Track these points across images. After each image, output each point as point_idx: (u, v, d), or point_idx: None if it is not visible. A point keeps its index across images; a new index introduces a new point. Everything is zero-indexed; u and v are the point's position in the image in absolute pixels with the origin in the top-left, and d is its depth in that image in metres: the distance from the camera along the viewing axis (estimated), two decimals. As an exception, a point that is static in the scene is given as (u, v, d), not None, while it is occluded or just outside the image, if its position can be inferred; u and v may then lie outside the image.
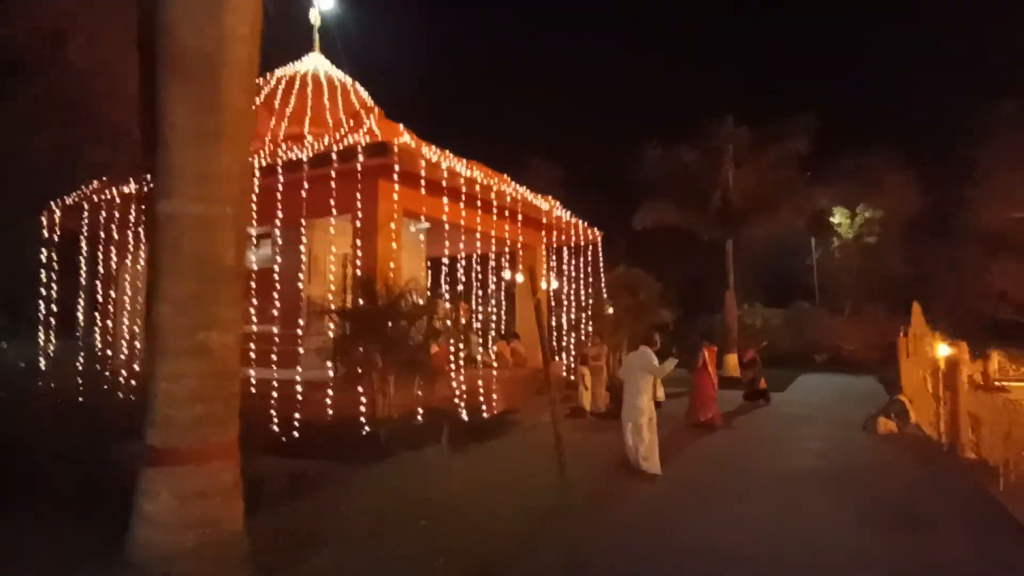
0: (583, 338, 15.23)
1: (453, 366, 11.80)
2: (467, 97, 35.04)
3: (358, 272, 10.54)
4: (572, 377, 14.93)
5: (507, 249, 15.82)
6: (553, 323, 16.28)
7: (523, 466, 8.17)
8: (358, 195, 10.44)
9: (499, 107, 35.72)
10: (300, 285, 11.97)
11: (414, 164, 10.34)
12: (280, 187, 11.08)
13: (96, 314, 13.93)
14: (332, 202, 10.55)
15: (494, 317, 17.79)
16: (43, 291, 14.09)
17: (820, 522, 6.09)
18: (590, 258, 17.37)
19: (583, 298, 17.28)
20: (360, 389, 9.08)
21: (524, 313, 16.41)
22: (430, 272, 19.14)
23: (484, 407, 11.23)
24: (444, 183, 11.21)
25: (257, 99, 15.27)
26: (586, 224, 16.62)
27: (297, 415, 9.76)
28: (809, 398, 15.58)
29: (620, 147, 28.45)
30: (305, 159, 10.65)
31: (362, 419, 9.09)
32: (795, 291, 28.61)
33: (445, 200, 11.58)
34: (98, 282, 13.88)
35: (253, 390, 10.54)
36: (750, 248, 22.91)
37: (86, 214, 13.95)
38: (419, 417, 9.72)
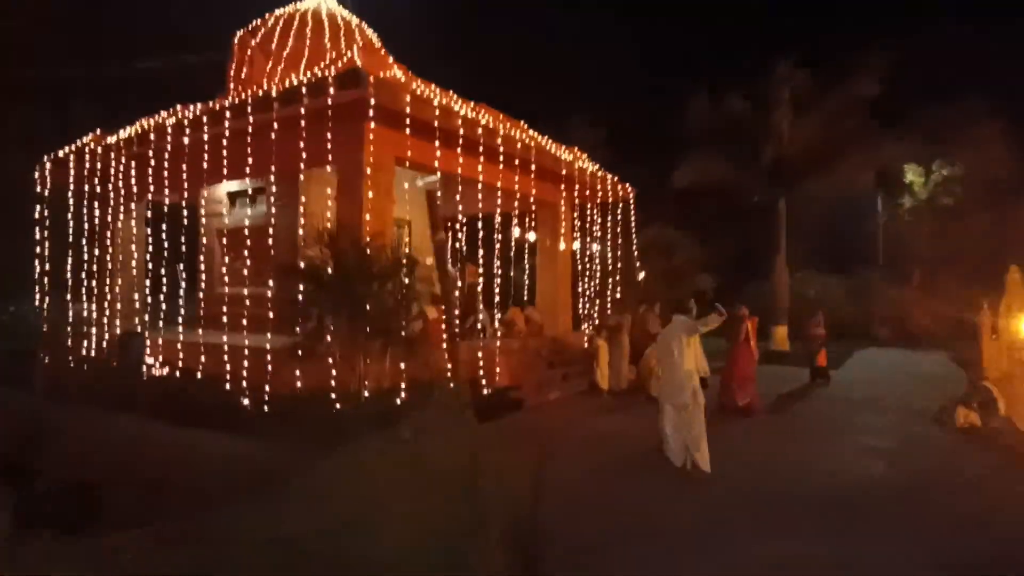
0: (608, 306, 13.60)
1: (450, 335, 10.49)
2: (501, 53, 32.82)
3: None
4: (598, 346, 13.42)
5: (525, 207, 14.24)
6: (580, 289, 14.73)
7: (497, 461, 6.72)
8: (330, 136, 9.00)
9: (536, 63, 33.46)
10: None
11: (395, 99, 8.82)
12: (254, 133, 9.81)
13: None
14: (304, 146, 9.17)
15: (502, 281, 16.35)
16: (39, 249, 13.48)
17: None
18: (620, 217, 15.58)
19: (611, 262, 15.60)
20: (331, 360, 7.83)
21: (544, 277, 14.88)
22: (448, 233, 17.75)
23: (484, 383, 9.87)
24: (439, 124, 9.66)
25: (253, 41, 14.05)
26: (615, 179, 14.80)
27: (268, 387, 8.69)
28: (870, 377, 13.59)
29: (663, 102, 26.08)
30: (274, 95, 9.27)
31: (333, 395, 7.88)
32: (855, 257, 25.93)
33: (445, 148, 10.03)
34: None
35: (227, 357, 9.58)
36: (805, 209, 20.43)
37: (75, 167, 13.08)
38: (401, 394, 8.45)
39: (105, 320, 12.82)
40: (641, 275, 15.78)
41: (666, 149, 20.19)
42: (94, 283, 13.09)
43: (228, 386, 9.34)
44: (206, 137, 10.54)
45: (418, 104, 9.18)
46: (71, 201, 13.42)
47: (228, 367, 9.42)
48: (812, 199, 20.23)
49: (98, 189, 12.95)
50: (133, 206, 13.62)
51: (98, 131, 13.37)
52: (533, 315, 13.45)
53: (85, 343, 12.49)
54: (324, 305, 7.44)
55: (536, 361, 11.25)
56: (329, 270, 7.74)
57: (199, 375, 9.94)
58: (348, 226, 9.28)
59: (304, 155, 9.42)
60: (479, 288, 12.31)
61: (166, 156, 11.40)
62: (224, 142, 10.18)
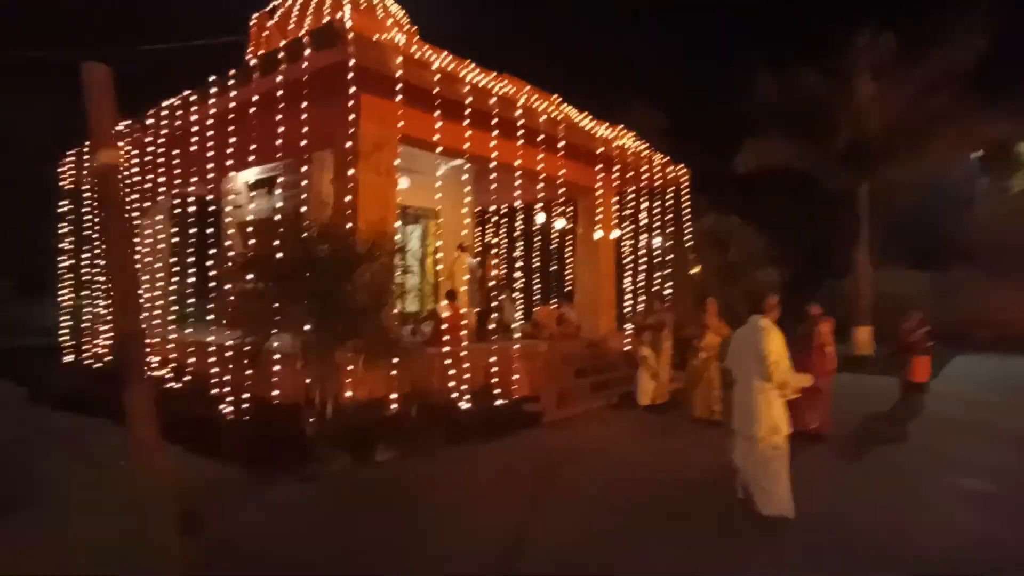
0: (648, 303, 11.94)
1: (454, 338, 9.27)
2: (556, 36, 31.27)
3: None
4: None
5: (561, 193, 12.81)
6: (624, 285, 13.15)
7: (452, 508, 5.37)
8: (319, 109, 7.90)
9: (588, 43, 31.67)
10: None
11: (383, 61, 7.60)
12: (248, 112, 8.87)
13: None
14: (295, 124, 8.12)
15: (537, 277, 14.95)
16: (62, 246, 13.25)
17: None
18: (671, 204, 13.84)
19: (661, 254, 13.93)
20: (298, 367, 6.70)
21: (583, 272, 13.39)
22: (478, 223, 16.56)
23: (499, 392, 8.55)
24: (451, 96, 8.41)
25: (270, 21, 13.27)
26: (665, 159, 13.10)
27: (247, 395, 7.71)
28: (973, 392, 11.38)
29: (725, 80, 23.80)
30: (252, 63, 8.27)
31: (308, 406, 6.76)
32: (947, 251, 22.84)
33: (466, 126, 8.76)
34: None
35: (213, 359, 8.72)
36: (889, 196, 17.91)
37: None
38: (392, 407, 7.26)
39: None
40: (695, 269, 14.00)
41: (726, 131, 18.17)
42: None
43: (215, 391, 8.46)
44: (209, 121, 9.73)
45: (413, 68, 7.93)
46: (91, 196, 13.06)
47: (217, 370, 8.53)
48: (897, 185, 17.67)
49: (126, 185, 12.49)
50: (157, 200, 13.15)
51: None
52: (568, 314, 12.02)
53: (95, 343, 12.04)
54: (277, 301, 6.30)
55: (561, 368, 9.82)
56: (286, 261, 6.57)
57: (189, 378, 9.13)
58: (342, 214, 8.23)
59: (297, 134, 8.40)
60: (501, 283, 10.96)
61: (175, 143, 10.71)
62: (226, 125, 9.31)
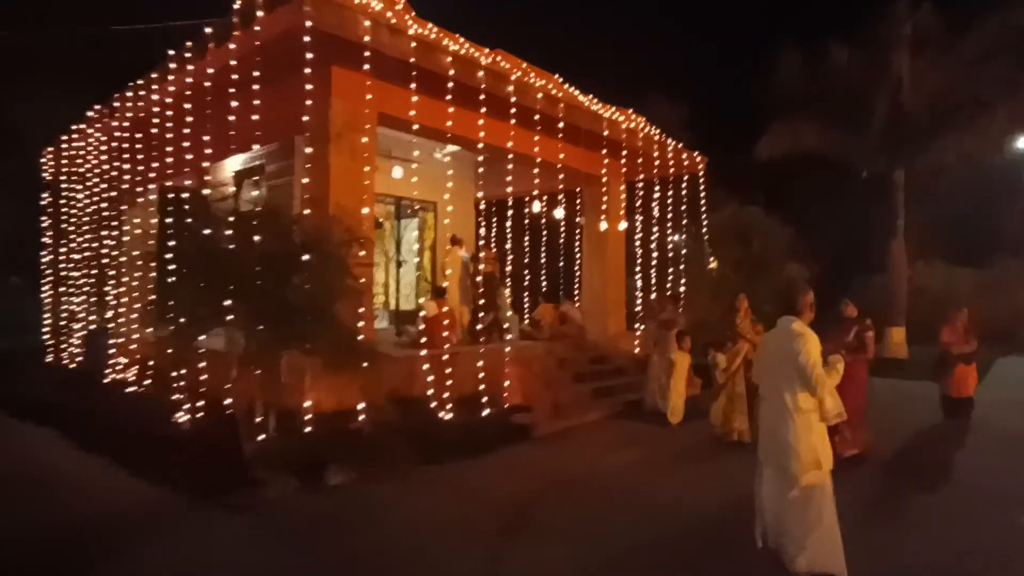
0: (666, 303, 10.92)
1: (437, 339, 8.42)
2: (562, 19, 29.99)
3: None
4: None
5: (566, 182, 11.83)
6: (635, 281, 12.14)
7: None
8: (284, 84, 7.05)
9: (603, 26, 30.34)
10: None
11: (348, 26, 6.68)
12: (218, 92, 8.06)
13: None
14: (264, 101, 7.27)
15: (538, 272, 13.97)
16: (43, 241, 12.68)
17: None
18: (687, 195, 12.77)
19: (675, 249, 12.90)
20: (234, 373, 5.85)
21: (590, 267, 12.38)
22: (480, 216, 15.67)
23: (487, 401, 7.63)
24: (434, 70, 7.49)
25: None
26: (677, 145, 12.02)
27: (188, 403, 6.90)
28: (1021, 399, 10.11)
29: (745, 61, 22.42)
30: (208, 31, 7.44)
31: (248, 420, 5.90)
32: (994, 244, 21.23)
33: (457, 106, 7.83)
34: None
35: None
36: (928, 184, 16.51)
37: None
38: (357, 420, 6.38)
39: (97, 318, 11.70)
40: (712, 264, 12.92)
41: (748, 116, 16.95)
42: (94, 276, 12.03)
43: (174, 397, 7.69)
44: (169, 101, 8.95)
45: (388, 36, 7.01)
46: (75, 188, 12.43)
47: (175, 374, 7.76)
48: (937, 171, 16.24)
49: (94, 174, 11.84)
50: (137, 190, 12.49)
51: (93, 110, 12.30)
52: (571, 312, 11.04)
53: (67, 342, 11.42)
54: (202, 297, 5.43)
55: (556, 374, 8.85)
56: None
57: (150, 381, 8.38)
58: (324, 207, 7.40)
59: (268, 115, 7.57)
60: (498, 280, 10.02)
61: (142, 128, 9.97)
62: (191, 106, 8.51)
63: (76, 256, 11.46)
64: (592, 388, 8.79)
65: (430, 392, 7.25)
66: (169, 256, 6.11)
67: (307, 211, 7.10)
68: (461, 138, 8.38)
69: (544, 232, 14.83)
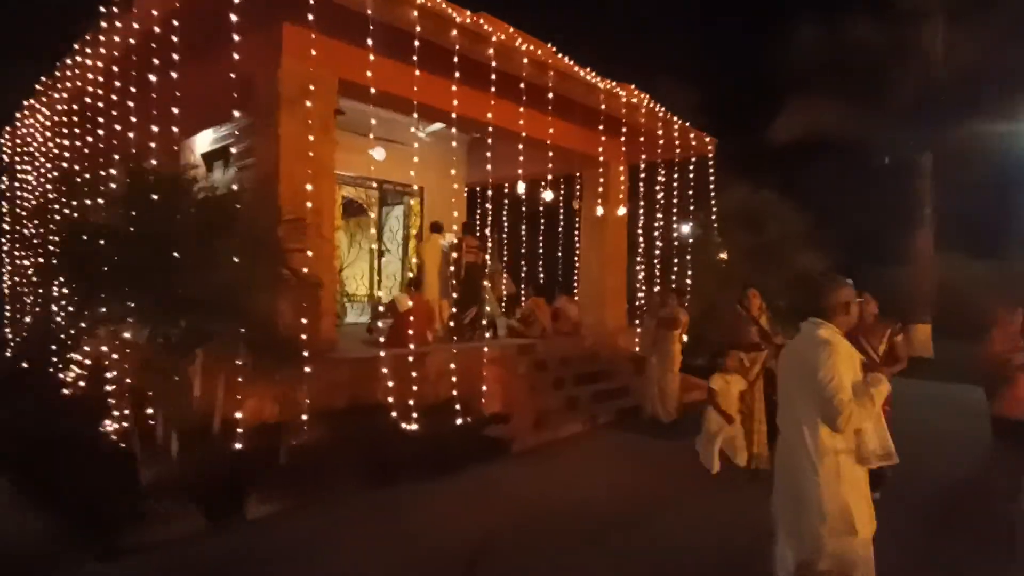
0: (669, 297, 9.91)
1: (410, 336, 7.49)
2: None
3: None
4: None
5: (562, 165, 10.80)
6: (637, 272, 11.11)
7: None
8: (228, 45, 6.04)
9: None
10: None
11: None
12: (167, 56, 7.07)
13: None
14: (210, 67, 6.30)
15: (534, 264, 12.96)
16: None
17: None
18: (694, 179, 11.69)
19: (682, 237, 11.86)
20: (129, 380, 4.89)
21: (588, 258, 11.37)
22: (472, 203, 14.69)
23: (461, 409, 6.65)
24: (381, 20, 6.44)
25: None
26: (684, 124, 10.93)
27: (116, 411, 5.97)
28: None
29: (755, 36, 21.10)
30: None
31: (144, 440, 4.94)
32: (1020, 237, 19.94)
33: (431, 74, 6.83)
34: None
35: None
36: (953, 167, 15.31)
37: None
38: (298, 432, 5.42)
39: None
40: (722, 254, 11.86)
41: (760, 95, 15.79)
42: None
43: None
44: (114, 68, 7.98)
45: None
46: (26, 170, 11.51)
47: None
48: (968, 153, 14.98)
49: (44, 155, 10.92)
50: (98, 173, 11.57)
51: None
52: (567, 308, 10.03)
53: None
54: (82, 287, 4.47)
55: (542, 376, 7.85)
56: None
57: (83, 383, 7.45)
58: (274, 186, 6.46)
59: (216, 82, 6.59)
60: (481, 269, 9.04)
61: (88, 101, 9.02)
62: (135, 74, 7.52)
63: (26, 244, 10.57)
64: (583, 393, 7.79)
65: (391, 399, 6.27)
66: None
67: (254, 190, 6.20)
68: (433, 109, 7.41)
69: (541, 220, 13.83)
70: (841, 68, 13.76)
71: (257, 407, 5.25)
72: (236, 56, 6.86)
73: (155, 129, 7.47)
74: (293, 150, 6.58)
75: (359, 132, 10.80)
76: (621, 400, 7.98)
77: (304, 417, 5.44)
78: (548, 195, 8.15)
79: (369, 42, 6.25)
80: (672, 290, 8.08)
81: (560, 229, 13.78)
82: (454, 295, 8.74)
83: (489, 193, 15.32)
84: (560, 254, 13.59)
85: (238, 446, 4.90)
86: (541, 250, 13.63)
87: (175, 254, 4.32)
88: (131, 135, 8.54)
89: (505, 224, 13.93)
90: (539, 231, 13.61)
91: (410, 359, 6.52)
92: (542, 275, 13.46)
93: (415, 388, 6.45)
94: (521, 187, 8.49)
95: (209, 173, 10.56)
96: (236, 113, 6.89)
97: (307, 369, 5.38)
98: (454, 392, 6.76)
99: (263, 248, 4.84)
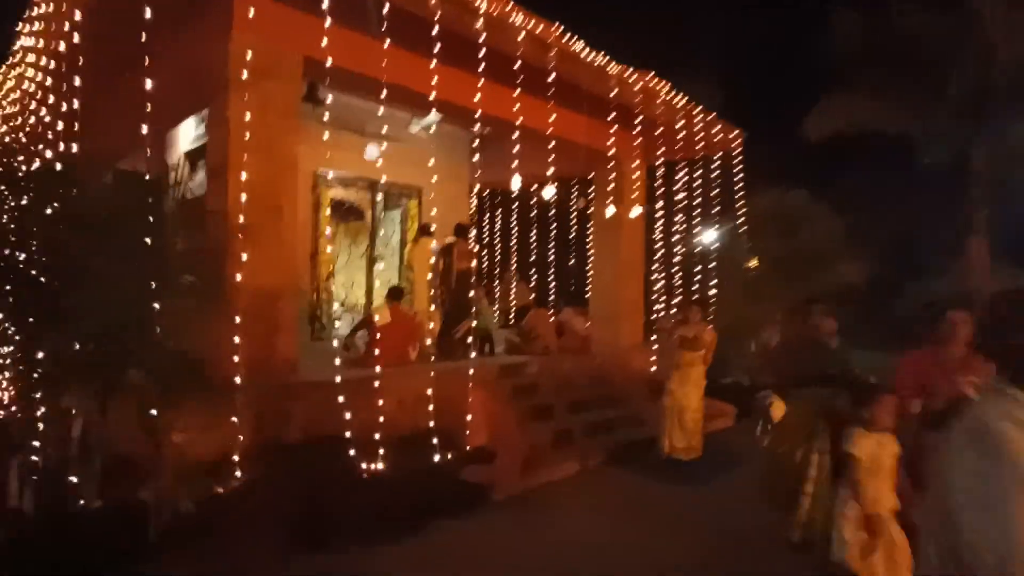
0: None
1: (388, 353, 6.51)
2: None
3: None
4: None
5: (569, 164, 9.76)
6: (654, 281, 9.99)
7: None
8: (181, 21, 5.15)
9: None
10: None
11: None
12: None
13: None
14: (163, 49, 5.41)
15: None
16: None
17: None
18: (720, 178, 10.55)
19: (705, 243, 10.75)
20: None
21: (601, 266, 10.27)
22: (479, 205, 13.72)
23: (435, 443, 5.61)
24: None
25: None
26: (705, 115, 9.81)
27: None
28: None
29: (793, 29, 19.72)
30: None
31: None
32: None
33: (413, 53, 5.92)
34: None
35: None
36: (1009, 168, 13.85)
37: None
38: (226, 478, 4.44)
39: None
40: (751, 262, 10.69)
41: (793, 87, 14.53)
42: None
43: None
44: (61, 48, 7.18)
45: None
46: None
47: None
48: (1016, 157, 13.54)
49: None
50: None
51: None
52: (572, 322, 8.94)
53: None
54: None
55: (535, 403, 6.73)
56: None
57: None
58: (224, 181, 5.58)
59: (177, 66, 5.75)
60: (474, 277, 8.03)
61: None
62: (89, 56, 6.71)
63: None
64: (585, 422, 6.67)
65: (354, 431, 5.26)
66: None
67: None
68: (414, 94, 6.39)
69: (553, 225, 12.80)
70: (884, 56, 12.45)
71: (169, 448, 4.28)
72: (188, 33, 6.05)
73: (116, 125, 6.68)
74: (245, 140, 5.67)
75: (352, 129, 9.99)
76: (633, 430, 6.85)
77: (235, 458, 4.46)
78: (549, 191, 7.06)
79: (340, 15, 5.31)
80: (695, 302, 6.90)
81: (572, 235, 12.73)
82: (440, 305, 7.75)
83: (495, 195, 14.40)
84: (572, 262, 12.53)
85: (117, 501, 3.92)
86: (552, 257, 12.59)
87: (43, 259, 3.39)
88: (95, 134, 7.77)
89: (515, 229, 12.96)
90: (548, 237, 12.58)
91: (376, 383, 5.52)
92: (553, 285, 12.40)
93: (382, 418, 5.44)
94: (516, 183, 7.43)
95: (193, 173, 9.77)
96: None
97: (251, 395, 4.41)
98: (430, 423, 5.73)
99: (165, 255, 3.88)
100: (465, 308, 7.71)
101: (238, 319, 4.96)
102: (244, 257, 5.54)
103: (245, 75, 5.58)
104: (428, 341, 7.95)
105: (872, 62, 12.66)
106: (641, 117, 8.69)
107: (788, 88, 14.89)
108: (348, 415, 5.25)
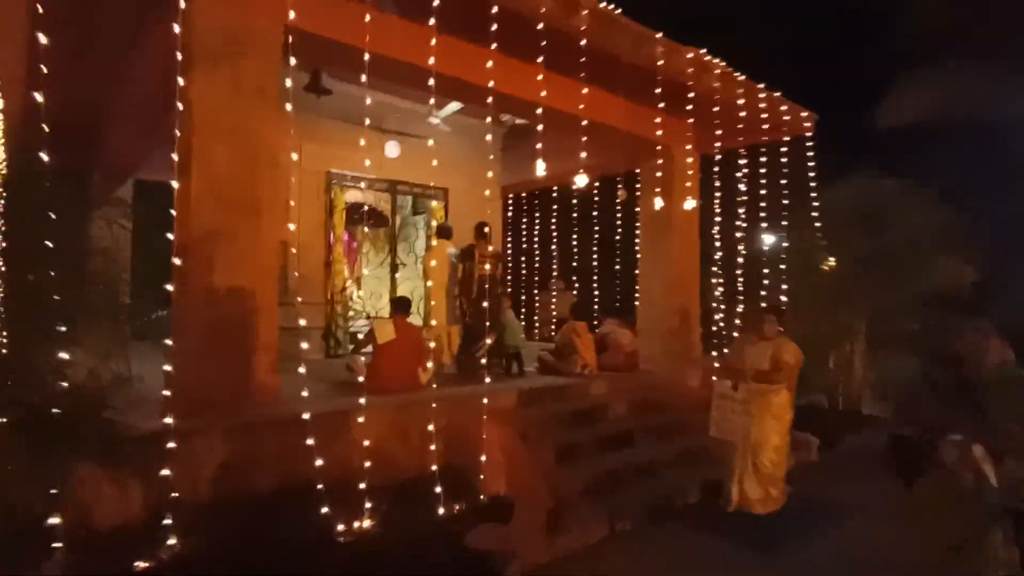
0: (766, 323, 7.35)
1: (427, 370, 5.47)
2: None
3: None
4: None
5: (609, 153, 8.53)
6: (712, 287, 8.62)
7: None
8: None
9: None
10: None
11: None
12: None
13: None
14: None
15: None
16: None
17: None
18: (788, 166, 9.09)
19: (770, 242, 9.32)
20: None
21: (649, 270, 8.98)
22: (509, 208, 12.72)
23: (438, 493, 4.48)
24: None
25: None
26: (770, 93, 8.41)
27: None
28: None
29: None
30: None
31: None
32: None
33: (412, 23, 4.97)
34: None
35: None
36: None
37: None
38: (168, 537, 3.43)
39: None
40: (828, 263, 9.17)
41: (873, 61, 12.80)
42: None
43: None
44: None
45: None
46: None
47: None
48: None
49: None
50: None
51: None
52: (617, 335, 7.65)
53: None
54: None
55: (567, 438, 5.47)
56: None
57: None
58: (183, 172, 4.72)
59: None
60: (499, 284, 6.90)
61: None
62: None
63: None
64: (630, 463, 5.36)
65: (338, 478, 4.20)
66: None
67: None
68: (416, 69, 5.35)
69: (595, 226, 11.58)
70: (983, 19, 10.69)
71: (69, 511, 3.29)
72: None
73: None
74: (213, 125, 4.76)
75: (368, 124, 9.09)
76: (690, 473, 5.51)
77: (167, 522, 3.45)
78: (582, 180, 5.84)
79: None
80: (769, 310, 5.48)
81: (616, 236, 11.45)
82: (459, 318, 6.67)
83: (532, 196, 13.28)
84: (618, 266, 11.26)
85: None
86: (594, 263, 11.32)
87: None
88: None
89: (554, 232, 11.80)
90: (589, 239, 11.36)
91: (374, 413, 4.47)
92: (598, 296, 11.15)
93: (376, 460, 4.37)
94: (540, 167, 6.26)
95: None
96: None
97: (202, 435, 3.41)
98: (436, 465, 4.61)
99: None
100: (486, 321, 6.58)
101: (196, 341, 4.02)
102: (212, 264, 4.67)
103: (211, 48, 4.70)
104: (447, 359, 6.91)
105: (964, 32, 10.90)
106: (693, 95, 7.38)
107: (866, 63, 13.11)
108: (330, 456, 4.21)
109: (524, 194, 13.45)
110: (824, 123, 9.26)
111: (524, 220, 13.63)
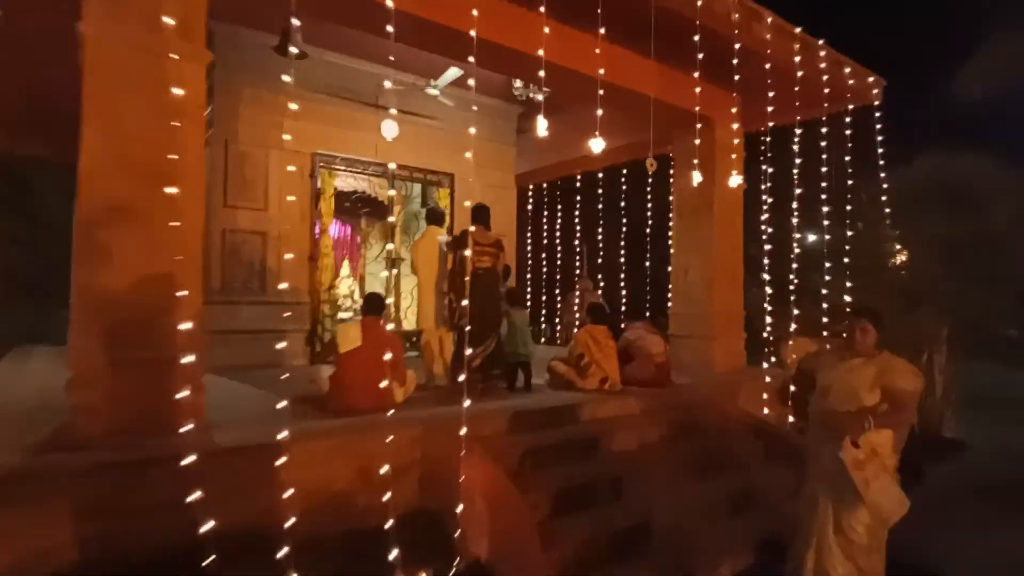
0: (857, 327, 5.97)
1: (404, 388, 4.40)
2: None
3: None
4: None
5: (639, 125, 7.28)
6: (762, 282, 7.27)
7: None
8: None
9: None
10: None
11: None
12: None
13: None
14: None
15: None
16: None
17: None
18: (851, 140, 7.67)
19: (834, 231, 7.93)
20: None
21: (684, 261, 7.68)
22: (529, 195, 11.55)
23: (399, 553, 3.31)
24: None
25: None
26: (831, 52, 7.02)
27: None
28: None
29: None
30: None
31: None
32: None
33: None
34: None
35: None
36: None
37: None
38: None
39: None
40: (900, 256, 7.72)
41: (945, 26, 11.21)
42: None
43: None
44: None
45: None
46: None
47: None
48: None
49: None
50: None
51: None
52: (646, 341, 6.31)
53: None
54: None
55: (576, 476, 4.19)
56: None
57: None
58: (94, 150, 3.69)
59: None
60: (500, 279, 5.73)
61: None
62: None
63: None
64: (659, 512, 4.08)
65: (255, 537, 3.06)
66: None
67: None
68: (408, 16, 4.21)
69: (623, 216, 10.34)
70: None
71: None
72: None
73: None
74: (117, 69, 3.71)
75: (361, 99, 8.05)
76: (748, 522, 4.20)
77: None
78: (598, 144, 4.59)
79: None
80: (863, 311, 3.89)
81: (648, 230, 10.16)
82: (449, 320, 5.51)
83: (553, 185, 12.11)
84: (648, 263, 9.94)
85: None
86: (621, 258, 10.06)
87: None
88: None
89: (579, 222, 10.60)
90: (622, 233, 10.12)
91: (325, 443, 3.34)
92: (625, 296, 9.90)
93: (321, 508, 3.24)
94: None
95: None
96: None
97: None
98: (401, 513, 3.45)
99: None
100: (486, 323, 5.39)
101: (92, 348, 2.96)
102: (112, 249, 3.63)
103: None
104: (439, 370, 5.77)
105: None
106: (738, 59, 6.06)
107: (940, 28, 11.52)
108: (252, 503, 3.11)
109: (545, 184, 12.25)
110: (891, 90, 7.84)
111: (545, 213, 12.44)
